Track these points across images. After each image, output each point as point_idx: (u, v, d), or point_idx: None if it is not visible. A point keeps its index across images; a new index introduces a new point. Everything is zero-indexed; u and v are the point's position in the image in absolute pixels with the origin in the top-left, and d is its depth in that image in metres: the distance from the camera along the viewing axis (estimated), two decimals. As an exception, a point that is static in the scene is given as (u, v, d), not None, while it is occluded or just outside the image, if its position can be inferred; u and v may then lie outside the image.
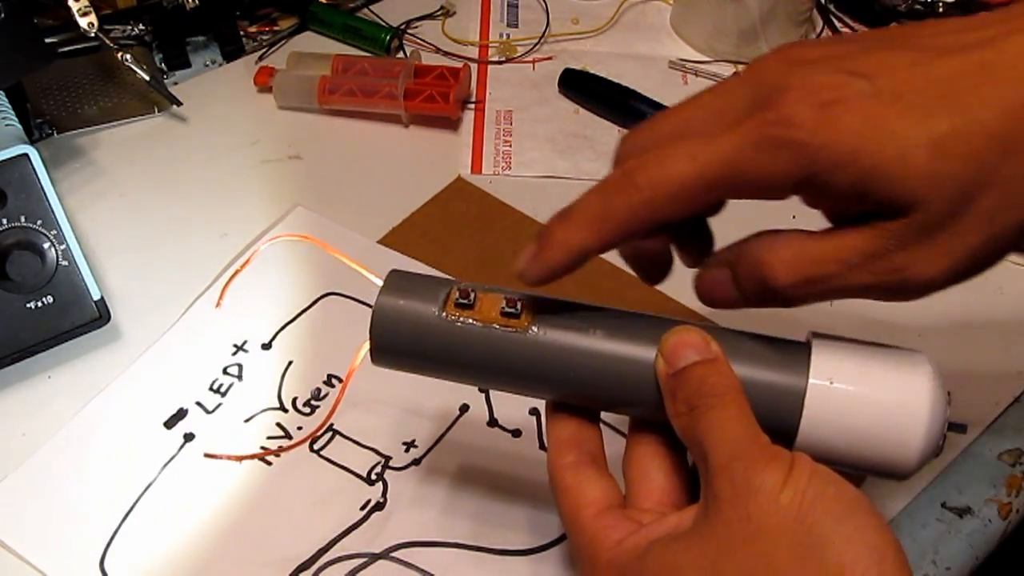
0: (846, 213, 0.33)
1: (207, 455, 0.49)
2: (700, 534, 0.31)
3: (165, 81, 0.70)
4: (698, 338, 0.34)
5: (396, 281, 0.38)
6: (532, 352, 0.36)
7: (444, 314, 0.37)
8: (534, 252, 0.35)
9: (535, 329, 0.36)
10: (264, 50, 0.73)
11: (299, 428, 0.51)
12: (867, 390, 0.34)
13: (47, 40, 0.67)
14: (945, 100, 0.31)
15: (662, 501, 0.35)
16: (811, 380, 0.34)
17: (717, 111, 0.34)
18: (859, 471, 0.35)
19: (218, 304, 0.56)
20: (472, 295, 0.37)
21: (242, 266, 0.57)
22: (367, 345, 0.38)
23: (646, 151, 0.34)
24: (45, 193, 0.52)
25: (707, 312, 0.54)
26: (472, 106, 0.69)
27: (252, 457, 0.49)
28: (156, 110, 0.68)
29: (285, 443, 0.50)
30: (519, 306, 0.37)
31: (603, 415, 0.39)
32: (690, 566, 0.31)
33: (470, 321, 0.37)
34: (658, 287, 0.51)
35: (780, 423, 0.34)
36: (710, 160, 0.32)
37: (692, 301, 0.55)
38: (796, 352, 0.35)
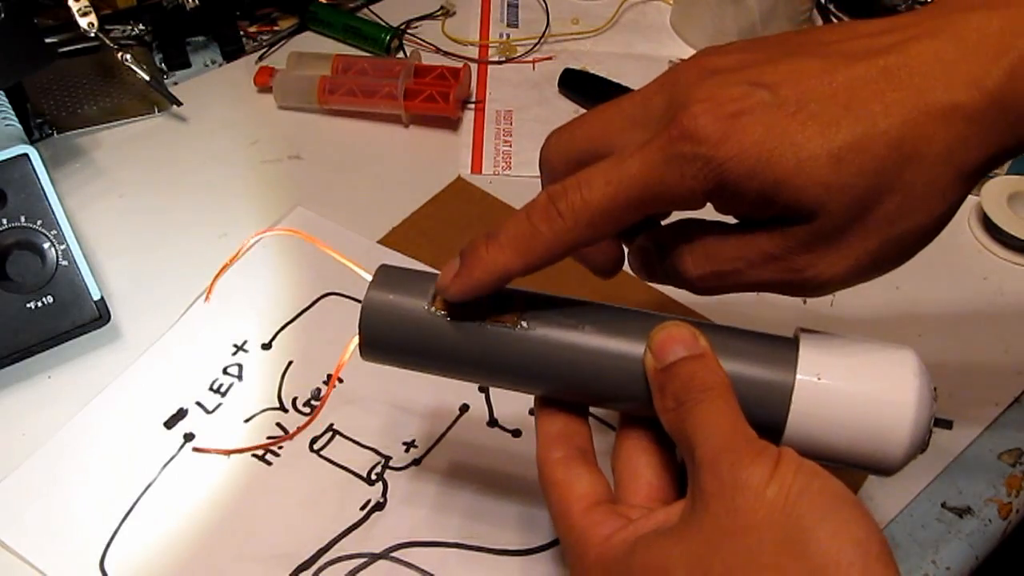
0: (755, 218, 0.34)
1: (196, 449, 0.49)
2: (687, 529, 0.31)
3: (165, 81, 0.70)
4: (687, 333, 0.35)
5: (385, 276, 0.38)
6: (521, 347, 0.36)
7: (433, 309, 0.37)
8: (457, 270, 0.35)
9: (524, 324, 0.36)
10: (264, 50, 0.73)
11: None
12: (854, 386, 0.34)
13: (47, 40, 0.67)
14: (848, 108, 0.32)
15: (651, 496, 0.36)
16: (799, 376, 0.35)
17: (634, 118, 0.35)
18: (846, 466, 0.35)
19: (207, 299, 0.56)
20: None
21: (231, 260, 0.57)
22: (356, 340, 0.38)
23: (566, 160, 0.36)
24: (45, 193, 0.52)
25: (699, 308, 0.54)
26: (472, 106, 0.69)
27: (241, 451, 0.49)
28: (156, 110, 0.68)
29: (284, 443, 0.50)
30: (508, 301, 0.37)
31: (593, 410, 0.39)
32: (677, 561, 0.31)
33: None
34: (656, 285, 0.51)
35: (768, 418, 0.35)
36: (622, 182, 0.33)
37: (688, 298, 0.55)
38: (784, 348, 0.36)
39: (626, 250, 0.39)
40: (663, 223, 0.38)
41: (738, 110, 0.32)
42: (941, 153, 0.32)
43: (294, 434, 0.50)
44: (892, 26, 0.33)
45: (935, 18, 0.33)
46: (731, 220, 0.35)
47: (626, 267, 0.40)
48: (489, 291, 0.35)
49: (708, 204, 0.34)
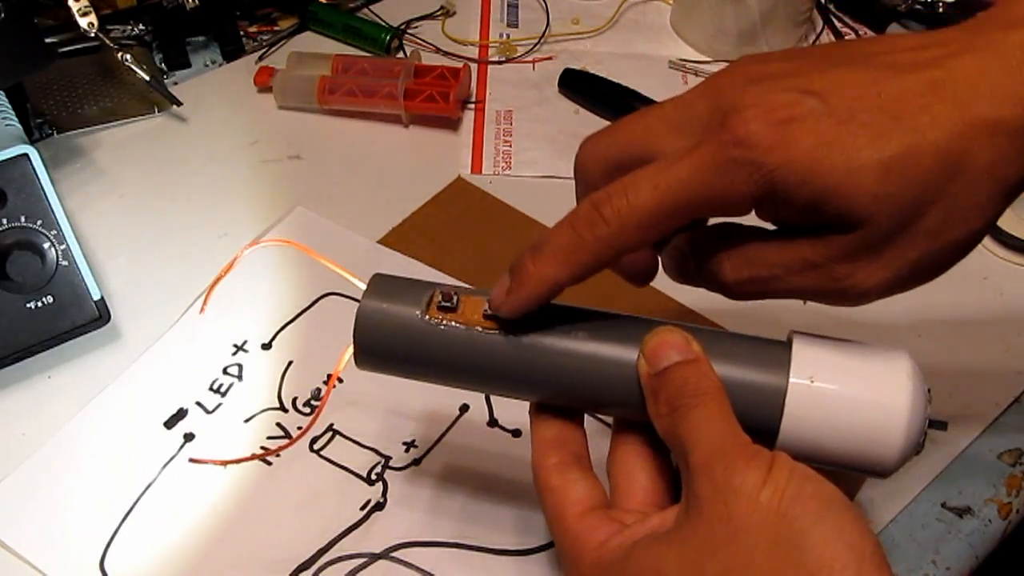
0: (799, 225, 0.34)
1: (192, 460, 0.49)
2: (681, 534, 0.32)
3: (165, 81, 0.70)
4: (679, 338, 0.35)
5: (379, 285, 0.38)
6: (514, 354, 0.36)
7: (427, 317, 0.37)
8: (508, 287, 0.35)
9: (517, 331, 0.36)
10: (264, 50, 0.73)
11: (299, 428, 0.51)
12: (847, 388, 0.34)
13: (47, 40, 0.67)
14: (897, 120, 0.32)
15: (646, 501, 0.36)
16: (791, 379, 0.35)
17: (676, 124, 0.35)
18: (840, 469, 0.35)
19: (201, 310, 0.56)
20: (455, 298, 0.37)
21: (224, 271, 0.57)
22: (351, 349, 0.38)
23: (605, 165, 0.36)
24: (45, 193, 0.52)
25: (697, 307, 0.54)
26: (472, 106, 0.69)
27: (238, 462, 0.49)
28: (156, 110, 0.68)
29: (284, 444, 0.50)
30: None
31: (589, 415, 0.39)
32: (672, 566, 0.31)
33: (452, 324, 0.37)
34: (654, 284, 0.51)
35: (761, 422, 0.35)
36: (671, 187, 0.33)
37: (689, 300, 0.55)
38: (777, 351, 0.36)
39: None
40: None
41: (789, 116, 0.32)
42: (985, 167, 0.32)
43: (295, 440, 0.50)
44: (932, 41, 0.34)
45: (976, 35, 0.33)
46: (770, 226, 0.35)
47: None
48: (542, 303, 0.35)
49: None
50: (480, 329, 0.37)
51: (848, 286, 0.34)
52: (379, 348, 0.38)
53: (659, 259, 0.39)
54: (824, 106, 0.32)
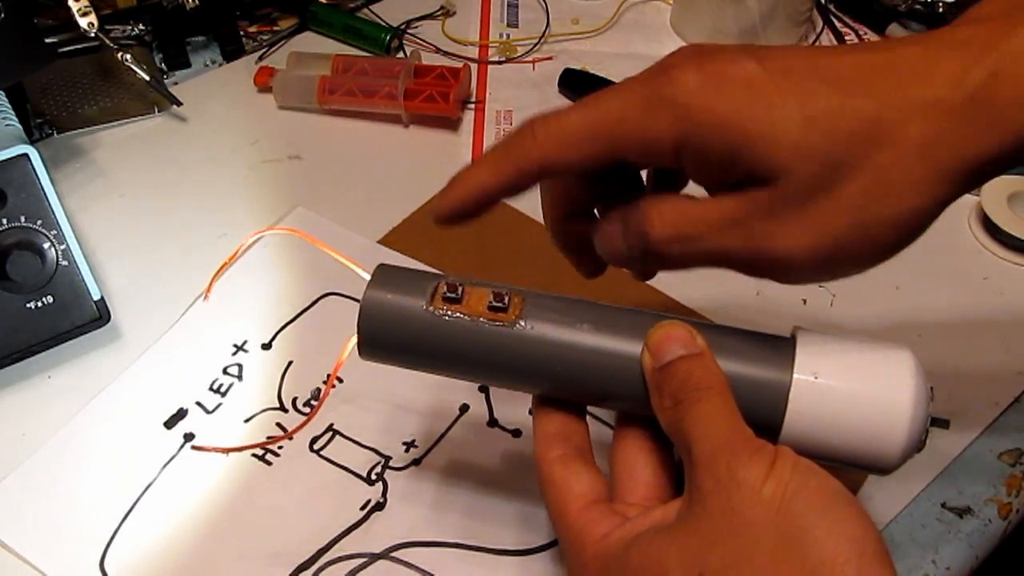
0: (723, 182, 0.34)
1: (195, 447, 0.50)
2: (684, 527, 0.32)
3: (165, 81, 0.70)
4: (684, 332, 0.35)
5: (384, 275, 0.38)
6: (519, 346, 0.36)
7: (431, 308, 0.37)
8: (443, 191, 0.37)
9: (522, 323, 0.36)
10: (264, 50, 0.73)
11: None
12: (850, 385, 0.35)
13: (47, 40, 0.67)
14: (829, 84, 0.32)
15: (648, 495, 0.36)
16: (796, 375, 0.35)
17: (622, 83, 0.36)
18: (843, 465, 0.35)
19: (205, 297, 0.56)
20: (460, 289, 0.37)
21: (230, 259, 0.57)
22: (355, 339, 0.38)
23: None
24: (45, 193, 0.52)
25: (697, 307, 0.54)
26: (472, 106, 0.69)
27: (240, 449, 0.49)
28: (156, 110, 0.68)
29: (284, 443, 0.50)
30: (506, 300, 0.37)
31: (591, 408, 0.39)
32: (673, 559, 0.31)
33: (457, 315, 0.37)
34: (654, 284, 0.51)
35: (765, 417, 0.35)
36: (599, 115, 0.34)
37: (688, 298, 0.55)
38: (781, 347, 0.36)
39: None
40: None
41: (723, 71, 0.33)
42: (917, 143, 0.31)
43: (293, 432, 0.50)
44: (885, 43, 0.35)
45: (927, 34, 0.34)
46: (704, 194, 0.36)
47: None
48: (471, 208, 0.37)
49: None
50: (484, 320, 0.37)
51: (771, 246, 0.33)
52: (383, 339, 0.38)
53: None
54: (759, 67, 0.33)
